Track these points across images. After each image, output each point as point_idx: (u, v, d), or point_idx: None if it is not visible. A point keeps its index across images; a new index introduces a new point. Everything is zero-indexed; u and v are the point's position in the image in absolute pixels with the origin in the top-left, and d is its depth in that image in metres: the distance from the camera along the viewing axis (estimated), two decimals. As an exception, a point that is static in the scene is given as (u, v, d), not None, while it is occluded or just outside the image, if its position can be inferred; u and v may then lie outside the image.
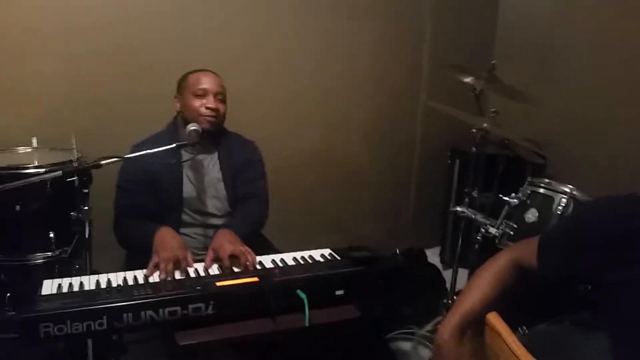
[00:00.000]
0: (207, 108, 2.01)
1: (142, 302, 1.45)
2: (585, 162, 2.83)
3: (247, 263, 1.70)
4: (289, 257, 1.84)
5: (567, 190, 1.89)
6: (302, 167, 3.07)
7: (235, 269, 1.71)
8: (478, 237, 2.14)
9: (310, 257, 1.85)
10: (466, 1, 3.31)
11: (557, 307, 1.93)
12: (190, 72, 2.08)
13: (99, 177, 1.83)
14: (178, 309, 1.47)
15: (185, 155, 2.04)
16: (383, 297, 1.79)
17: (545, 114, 2.89)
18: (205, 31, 2.65)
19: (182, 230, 2.05)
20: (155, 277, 1.64)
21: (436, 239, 3.42)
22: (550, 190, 1.94)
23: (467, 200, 2.23)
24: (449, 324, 1.24)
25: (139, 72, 2.52)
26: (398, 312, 2.10)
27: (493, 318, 1.24)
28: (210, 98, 2.02)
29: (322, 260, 1.83)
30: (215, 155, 2.12)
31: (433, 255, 3.30)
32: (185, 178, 2.06)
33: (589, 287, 1.78)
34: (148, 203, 2.01)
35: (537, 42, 3.17)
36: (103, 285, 1.57)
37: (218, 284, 1.57)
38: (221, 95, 2.06)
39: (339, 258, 1.85)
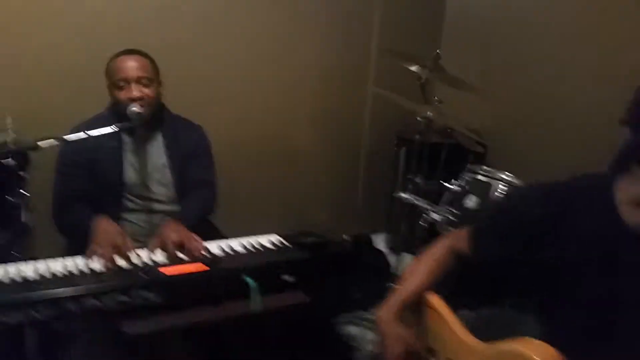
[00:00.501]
0: (129, 99, 1.88)
1: (86, 290, 1.41)
2: (525, 150, 2.95)
3: (194, 251, 1.69)
4: (236, 244, 1.83)
5: (505, 177, 1.98)
6: (250, 153, 3.04)
7: (183, 257, 1.69)
8: (423, 224, 2.20)
9: (259, 243, 1.85)
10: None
11: (501, 292, 2.03)
12: (112, 59, 1.95)
13: (40, 161, 1.75)
14: (123, 296, 1.44)
15: (126, 139, 1.98)
16: (331, 282, 1.81)
17: (487, 103, 2.99)
18: (154, 11, 2.57)
19: (125, 215, 2.00)
20: (95, 265, 1.60)
21: (383, 226, 3.49)
22: (489, 177, 2.01)
23: (410, 186, 2.29)
24: (389, 305, 1.29)
25: (83, 53, 2.41)
26: (346, 297, 2.14)
27: (434, 299, 1.30)
28: (132, 87, 1.89)
29: (270, 246, 1.84)
30: (160, 139, 2.06)
31: (380, 241, 3.36)
32: (126, 162, 1.99)
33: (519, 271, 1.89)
34: (87, 188, 1.94)
35: (483, 32, 3.25)
36: (44, 273, 1.51)
37: (165, 272, 1.55)
38: (146, 79, 1.92)
39: (287, 244, 1.86)
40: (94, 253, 1.63)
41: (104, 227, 1.77)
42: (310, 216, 3.33)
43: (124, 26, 2.48)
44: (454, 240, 1.37)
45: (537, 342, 1.05)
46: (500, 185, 1.96)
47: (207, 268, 1.59)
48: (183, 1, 2.65)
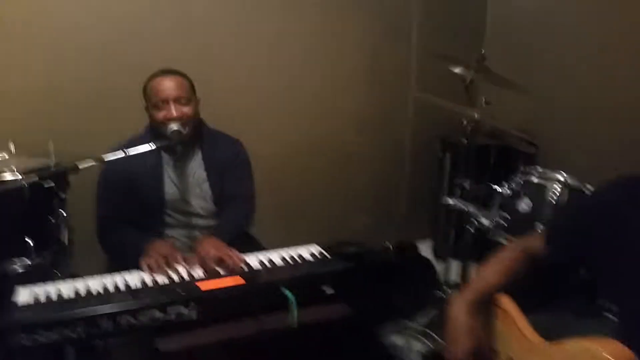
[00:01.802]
0: (169, 119, 1.87)
1: (121, 307, 1.39)
2: (576, 149, 2.80)
3: (233, 266, 1.66)
4: (276, 256, 1.78)
5: (561, 178, 1.85)
6: (293, 163, 3.01)
7: (222, 272, 1.65)
8: (471, 229, 2.09)
9: (299, 255, 1.79)
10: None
11: (556, 296, 1.91)
12: (148, 80, 1.95)
13: (78, 181, 1.76)
14: (159, 313, 1.42)
15: (165, 156, 1.98)
16: (374, 293, 1.73)
17: (535, 102, 2.86)
18: (187, 29, 2.57)
19: (166, 231, 2.00)
20: (138, 282, 1.59)
21: (428, 232, 3.38)
22: (543, 178, 1.90)
23: (459, 191, 2.18)
24: (463, 298, 1.27)
25: (118, 72, 2.43)
26: (390, 307, 2.05)
27: (505, 300, 1.30)
28: (171, 107, 1.88)
29: (310, 258, 1.78)
30: (199, 154, 2.05)
31: (425, 248, 3.25)
32: (167, 179, 1.99)
33: (587, 274, 1.77)
34: (129, 209, 1.95)
35: (527, 31, 3.13)
36: (81, 292, 1.51)
37: (201, 287, 1.52)
38: (184, 99, 1.91)
39: (327, 255, 1.79)
40: (146, 265, 1.65)
41: (158, 244, 1.79)
42: (355, 224, 3.27)
43: (159, 45, 2.50)
44: (527, 243, 1.38)
45: (607, 340, 1.04)
46: (555, 187, 1.84)
47: (243, 282, 1.55)
48: (220, 15, 2.64)
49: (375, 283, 1.74)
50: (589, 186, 1.83)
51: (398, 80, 3.22)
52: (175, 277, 1.62)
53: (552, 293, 1.92)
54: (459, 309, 1.25)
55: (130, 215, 1.95)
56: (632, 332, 1.11)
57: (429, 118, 3.20)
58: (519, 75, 2.60)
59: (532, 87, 2.46)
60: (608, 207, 1.19)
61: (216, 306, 1.48)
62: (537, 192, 1.89)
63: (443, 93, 2.33)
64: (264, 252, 1.82)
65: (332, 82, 3.02)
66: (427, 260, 2.83)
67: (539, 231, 1.36)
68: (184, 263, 1.69)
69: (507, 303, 1.29)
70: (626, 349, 1.00)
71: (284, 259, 1.77)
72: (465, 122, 2.18)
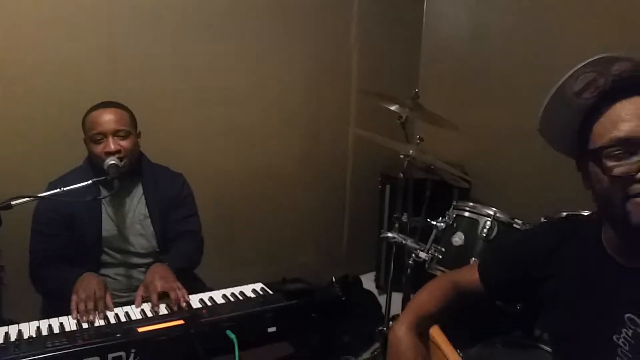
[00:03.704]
0: (106, 153, 1.85)
1: (56, 354, 1.33)
2: (508, 183, 2.95)
3: (179, 300, 1.63)
4: (218, 295, 1.77)
5: (491, 212, 1.95)
6: (234, 198, 2.99)
7: (162, 312, 1.62)
8: (410, 262, 2.15)
9: (241, 293, 1.78)
10: (390, 33, 3.39)
11: (489, 329, 1.98)
12: (88, 112, 1.92)
13: (11, 219, 1.69)
14: (97, 359, 1.37)
15: (104, 192, 1.93)
16: (318, 330, 1.74)
17: (468, 139, 3.00)
18: (126, 61, 2.52)
19: (102, 270, 1.94)
20: (71, 325, 1.54)
21: (371, 265, 3.43)
22: (475, 213, 1.99)
23: (397, 225, 2.25)
24: (402, 320, 1.28)
25: (57, 106, 2.34)
26: (335, 343, 2.06)
27: (435, 332, 1.31)
28: (109, 141, 1.86)
29: (253, 295, 1.77)
30: (140, 189, 2.02)
31: (368, 281, 3.30)
32: (104, 215, 1.94)
33: (519, 307, 1.85)
34: (64, 245, 1.89)
35: (459, 69, 3.30)
36: (13, 337, 1.44)
37: (140, 329, 1.47)
38: (123, 132, 1.89)
39: (270, 292, 1.79)
40: (74, 308, 1.59)
41: (88, 280, 1.72)
42: (299, 259, 3.28)
43: (100, 77, 2.44)
44: (456, 275, 1.40)
45: None
46: (487, 221, 1.93)
47: (184, 323, 1.52)
48: (163, 50, 2.62)
49: (319, 320, 1.74)
50: (518, 221, 1.93)
51: (338, 116, 3.30)
52: (112, 319, 1.58)
53: (488, 326, 1.99)
54: (400, 330, 1.25)
55: (65, 252, 1.89)
56: None
57: (369, 153, 3.30)
58: (453, 113, 2.73)
59: (464, 124, 2.58)
60: (541, 245, 1.22)
61: (155, 349, 1.43)
62: (469, 226, 1.98)
63: (380, 130, 2.43)
64: (206, 293, 1.79)
65: (276, 119, 3.05)
66: (371, 293, 2.88)
67: (470, 264, 1.39)
68: (110, 301, 1.65)
69: (438, 336, 1.30)
70: None
71: (225, 296, 1.76)
72: (402, 157, 2.26)
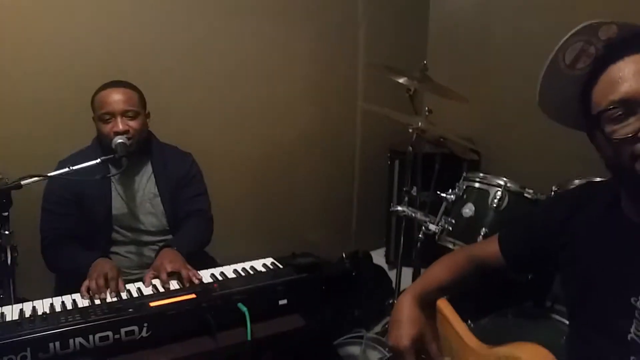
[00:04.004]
0: (115, 133, 1.85)
1: (69, 329, 1.34)
2: (518, 154, 2.92)
3: (189, 280, 1.64)
4: (229, 270, 1.78)
5: (501, 182, 1.93)
6: (244, 177, 3.00)
7: (173, 287, 1.63)
8: (420, 235, 2.14)
9: (252, 267, 1.79)
10: (398, 4, 3.34)
11: (500, 301, 1.98)
12: (97, 91, 1.92)
13: (22, 198, 1.71)
14: (109, 333, 1.38)
15: (113, 170, 1.93)
16: (329, 304, 1.75)
17: (477, 111, 2.96)
18: (135, 40, 2.50)
19: (113, 248, 1.96)
20: (84, 302, 1.55)
21: (382, 241, 3.43)
22: (485, 184, 1.97)
23: (406, 199, 2.24)
24: (408, 291, 1.29)
25: (66, 85, 2.34)
26: (346, 317, 2.07)
27: (442, 304, 1.31)
28: (117, 121, 1.86)
29: (264, 270, 1.78)
30: (149, 168, 2.02)
31: (379, 257, 3.30)
32: (114, 194, 1.95)
33: (530, 277, 1.84)
34: (75, 224, 1.90)
35: (467, 41, 3.25)
36: (27, 314, 1.46)
37: (152, 304, 1.48)
38: (132, 112, 1.89)
39: (281, 267, 1.80)
40: (85, 289, 1.60)
41: (100, 264, 1.73)
42: (309, 236, 3.28)
43: (109, 56, 2.43)
44: (474, 249, 1.39)
45: (532, 345, 1.07)
46: (497, 191, 1.91)
47: (194, 296, 1.53)
48: (171, 30, 2.60)
49: (329, 294, 1.74)
50: (529, 190, 1.91)
51: (346, 92, 3.27)
52: (124, 295, 1.60)
53: (500, 297, 1.99)
54: (404, 300, 1.27)
55: (75, 231, 1.90)
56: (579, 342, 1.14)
57: (377, 128, 3.28)
58: (462, 85, 2.70)
59: (474, 97, 2.55)
60: (558, 214, 1.20)
61: (167, 323, 1.44)
62: (480, 197, 1.96)
63: (389, 103, 2.40)
64: (218, 268, 1.80)
65: (281, 96, 3.02)
66: (381, 268, 2.88)
67: (485, 237, 1.38)
68: (122, 284, 1.65)
69: (445, 307, 1.30)
70: (548, 354, 1.02)
71: (236, 271, 1.76)
72: (410, 131, 2.24)
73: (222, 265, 1.89)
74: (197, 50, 2.69)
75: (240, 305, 1.51)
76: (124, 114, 1.87)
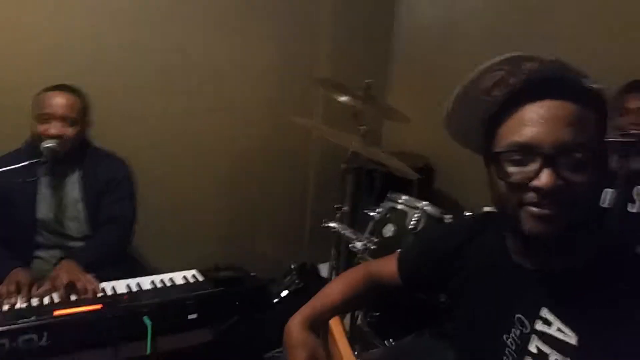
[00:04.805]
0: (47, 135, 1.85)
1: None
2: (470, 173, 2.92)
3: (85, 291, 1.63)
4: (146, 281, 1.78)
5: (419, 205, 1.95)
6: (197, 185, 3.00)
7: (72, 297, 1.63)
8: (352, 250, 2.16)
9: (170, 279, 1.80)
10: (362, 19, 3.36)
11: (423, 320, 2.00)
12: (42, 91, 1.93)
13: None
14: (6, 341, 1.38)
15: (41, 173, 1.92)
16: (243, 319, 1.74)
17: (434, 130, 2.96)
18: (82, 42, 2.50)
19: (37, 252, 1.96)
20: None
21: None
22: (406, 205, 1.99)
23: (337, 215, 2.25)
24: (300, 314, 1.28)
25: (2, 87, 2.32)
26: (262, 334, 2.05)
27: (333, 323, 1.30)
28: (55, 124, 1.87)
29: (182, 282, 1.78)
30: (77, 174, 2.02)
31: (325, 269, 3.30)
32: (40, 197, 1.95)
33: (443, 300, 1.86)
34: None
35: (429, 64, 3.26)
36: None
37: (56, 312, 1.49)
38: (70, 120, 1.90)
39: (201, 279, 1.80)
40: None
41: (14, 274, 1.73)
42: (260, 246, 3.29)
43: (56, 59, 2.43)
44: (374, 266, 1.39)
45: None
46: (415, 214, 1.93)
47: (101, 307, 1.53)
48: (131, 35, 2.61)
49: (243, 310, 1.75)
50: (447, 216, 1.93)
51: (301, 103, 3.25)
52: (34, 302, 1.59)
53: (426, 316, 2.00)
54: (293, 324, 1.25)
55: (0, 233, 1.90)
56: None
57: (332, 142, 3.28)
58: (422, 104, 2.69)
59: (434, 116, 2.54)
60: (455, 239, 1.22)
61: (69, 332, 1.45)
62: (400, 218, 1.98)
63: (337, 119, 2.42)
64: (136, 279, 1.79)
65: (238, 104, 3.03)
66: (323, 280, 2.89)
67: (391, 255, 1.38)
68: (36, 290, 1.64)
69: (335, 326, 1.30)
70: None
71: (153, 283, 1.77)
72: (349, 149, 2.25)
73: (152, 273, 1.88)
74: (152, 60, 2.69)
75: (145, 318, 1.51)
76: (62, 119, 1.88)
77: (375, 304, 2.01)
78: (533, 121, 0.90)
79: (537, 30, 2.59)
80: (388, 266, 1.35)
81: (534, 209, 0.90)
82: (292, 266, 2.92)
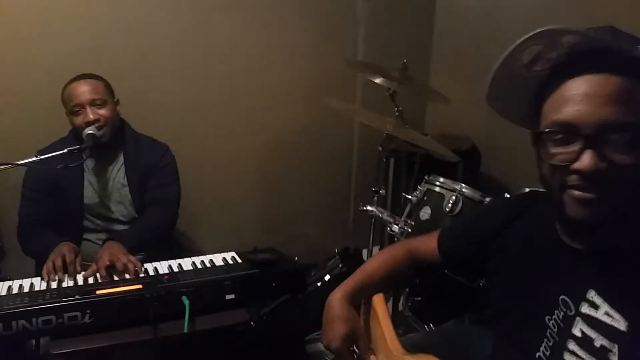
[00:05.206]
0: (87, 123, 1.93)
1: (11, 312, 1.43)
2: (519, 154, 2.83)
3: (125, 271, 1.69)
4: (187, 263, 1.82)
5: (457, 187, 1.90)
6: (240, 169, 3.04)
7: (115, 277, 1.70)
8: (391, 233, 2.14)
9: (211, 261, 1.83)
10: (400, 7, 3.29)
11: (463, 306, 1.96)
12: (65, 86, 1.99)
13: (9, 185, 1.78)
14: (52, 317, 1.46)
15: (87, 160, 2.00)
16: (280, 300, 1.77)
17: (482, 109, 2.88)
18: (122, 30, 2.55)
19: (86, 235, 2.05)
20: (41, 286, 1.64)
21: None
22: (444, 188, 1.95)
23: (375, 198, 2.23)
24: (340, 289, 1.28)
25: (44, 77, 2.40)
26: (300, 316, 2.06)
27: (377, 300, 1.30)
28: (87, 111, 1.94)
29: (221, 264, 1.81)
30: (121, 158, 2.09)
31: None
32: (86, 183, 2.03)
33: (482, 284, 1.82)
34: (50, 211, 1.99)
35: (472, 43, 3.16)
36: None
37: (98, 291, 1.55)
38: (99, 101, 1.96)
39: (239, 261, 1.83)
40: (45, 269, 1.69)
41: (60, 247, 1.81)
42: (304, 230, 3.30)
43: (96, 48, 2.50)
44: (415, 243, 1.38)
45: (431, 358, 1.06)
46: (452, 196, 1.89)
47: (140, 287, 1.59)
48: (159, 21, 2.65)
49: (280, 292, 1.77)
50: (487, 199, 1.87)
51: (344, 89, 3.20)
52: (80, 281, 1.67)
53: (466, 302, 1.96)
54: (335, 298, 1.25)
55: (50, 217, 1.99)
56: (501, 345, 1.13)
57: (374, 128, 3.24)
58: (466, 84, 2.60)
59: (477, 97, 2.48)
60: (496, 219, 1.19)
61: (110, 310, 1.51)
62: (437, 201, 1.94)
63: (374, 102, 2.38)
64: (177, 260, 1.84)
65: (277, 87, 3.03)
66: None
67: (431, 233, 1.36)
68: (78, 266, 1.73)
69: (378, 304, 1.29)
70: None
71: (194, 264, 1.81)
72: (386, 131, 2.22)
73: (190, 256, 1.91)
74: (188, 45, 2.73)
75: (183, 298, 1.55)
76: (92, 103, 1.95)
77: (418, 288, 1.99)
78: (574, 98, 0.85)
79: (587, 9, 2.46)
80: (429, 242, 1.34)
81: (577, 192, 0.86)
82: (336, 250, 2.92)
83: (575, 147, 0.85)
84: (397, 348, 1.18)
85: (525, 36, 0.88)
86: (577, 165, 0.84)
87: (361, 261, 3.01)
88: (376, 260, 1.35)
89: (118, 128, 2.06)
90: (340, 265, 2.83)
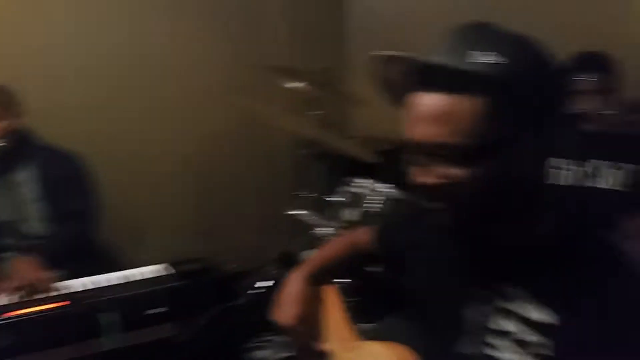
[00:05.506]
0: None
1: None
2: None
3: (39, 289, 1.65)
4: (115, 277, 1.78)
5: (376, 188, 1.98)
6: (174, 177, 3.00)
7: (30, 298, 1.63)
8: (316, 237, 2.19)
9: (141, 273, 1.80)
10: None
11: (396, 304, 2.02)
12: None
13: None
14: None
15: None
16: (213, 310, 1.76)
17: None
18: (27, 33, 2.45)
19: (2, 255, 1.96)
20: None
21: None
22: (359, 187, 2.02)
23: (301, 202, 2.28)
24: (296, 271, 1.29)
25: None
26: (234, 325, 2.05)
27: (331, 290, 1.32)
28: None
29: (151, 276, 1.79)
30: (28, 172, 2.00)
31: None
32: None
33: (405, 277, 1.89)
34: None
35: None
36: None
37: (15, 312, 1.51)
38: None
39: (169, 273, 1.81)
40: None
41: None
42: (240, 237, 3.28)
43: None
44: (356, 236, 1.41)
45: (396, 344, 1.09)
46: (368, 196, 1.97)
47: (59, 305, 1.55)
48: (85, 30, 2.60)
49: (212, 302, 1.77)
50: (408, 197, 1.94)
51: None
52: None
53: (391, 300, 2.03)
54: (291, 279, 1.27)
55: None
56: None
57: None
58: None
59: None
60: (412, 214, 1.23)
61: (28, 331, 1.48)
62: (356, 201, 2.02)
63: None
64: (104, 275, 1.79)
65: (194, 98, 3.00)
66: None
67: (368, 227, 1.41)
68: None
69: (332, 293, 1.32)
70: (410, 354, 1.05)
71: (122, 277, 1.77)
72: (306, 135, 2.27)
73: (121, 267, 1.88)
74: (103, 50, 2.67)
75: (102, 315, 1.53)
76: None
77: (354, 289, 2.03)
78: (410, 116, 0.88)
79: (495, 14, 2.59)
80: (367, 235, 1.37)
81: (430, 203, 0.90)
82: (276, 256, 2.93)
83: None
84: (354, 335, 1.21)
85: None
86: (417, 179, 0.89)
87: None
88: (329, 248, 1.40)
89: (20, 140, 1.98)
90: (276, 271, 2.87)
